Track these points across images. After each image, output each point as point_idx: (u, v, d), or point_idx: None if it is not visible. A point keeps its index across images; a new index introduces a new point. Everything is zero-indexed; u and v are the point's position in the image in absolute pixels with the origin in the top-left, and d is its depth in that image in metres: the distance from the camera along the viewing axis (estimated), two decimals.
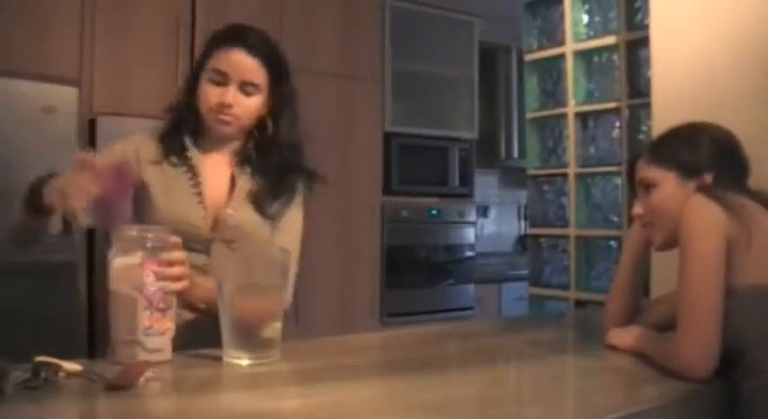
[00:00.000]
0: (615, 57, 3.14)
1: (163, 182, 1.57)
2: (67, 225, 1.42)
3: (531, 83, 3.59)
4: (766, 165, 1.54)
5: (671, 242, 1.45)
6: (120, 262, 1.32)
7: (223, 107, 1.56)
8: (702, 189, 1.41)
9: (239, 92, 1.56)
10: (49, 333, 2.54)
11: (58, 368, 1.16)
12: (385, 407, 1.15)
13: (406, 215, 4.09)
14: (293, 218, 1.68)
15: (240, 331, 1.35)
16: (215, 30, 1.64)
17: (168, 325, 1.35)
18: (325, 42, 3.75)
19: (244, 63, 1.56)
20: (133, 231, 1.35)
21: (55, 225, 1.42)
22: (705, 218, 1.33)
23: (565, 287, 3.33)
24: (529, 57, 3.60)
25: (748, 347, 1.28)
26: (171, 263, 1.36)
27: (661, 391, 1.28)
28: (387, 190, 4.02)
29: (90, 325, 2.87)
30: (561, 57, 3.36)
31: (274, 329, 1.37)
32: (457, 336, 1.91)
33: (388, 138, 4.02)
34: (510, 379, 1.49)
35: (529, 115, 3.60)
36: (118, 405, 1.09)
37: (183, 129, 1.62)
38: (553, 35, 3.47)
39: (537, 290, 3.53)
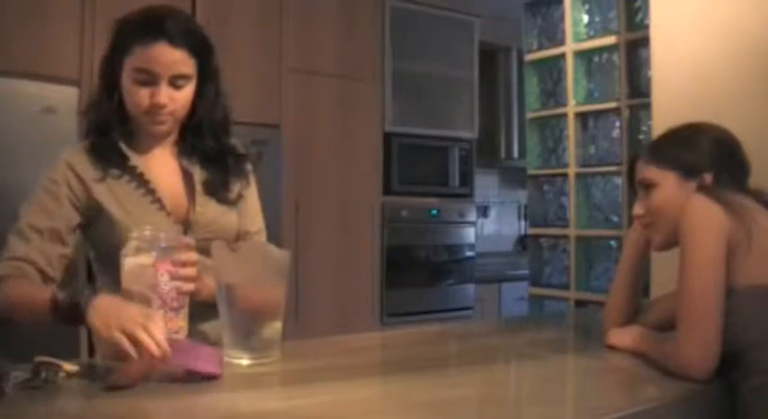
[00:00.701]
0: (615, 57, 3.14)
1: (114, 198, 1.46)
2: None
3: (532, 83, 3.59)
4: (766, 165, 1.54)
5: (671, 242, 1.45)
6: (133, 262, 1.33)
7: (157, 108, 1.44)
8: (702, 189, 1.41)
9: (170, 87, 1.43)
10: (49, 333, 2.53)
11: (59, 368, 1.17)
12: (385, 407, 1.15)
13: (406, 215, 4.09)
14: (254, 199, 1.67)
15: (240, 326, 1.35)
16: (125, 18, 1.45)
17: (181, 323, 1.37)
18: (325, 42, 3.74)
19: (171, 58, 1.41)
20: (146, 231, 1.35)
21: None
22: (705, 218, 1.33)
23: (565, 287, 3.33)
24: (529, 57, 3.60)
25: (748, 347, 1.28)
26: (184, 264, 1.36)
27: (661, 391, 1.28)
28: (387, 190, 4.02)
29: None
30: (561, 57, 3.36)
31: (274, 329, 1.37)
32: (457, 336, 1.91)
33: (388, 138, 4.01)
34: (510, 380, 1.49)
35: (529, 115, 3.61)
36: (118, 405, 1.09)
37: (113, 134, 1.48)
38: (553, 35, 3.47)
39: (537, 290, 3.53)
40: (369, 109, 3.93)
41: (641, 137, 3.03)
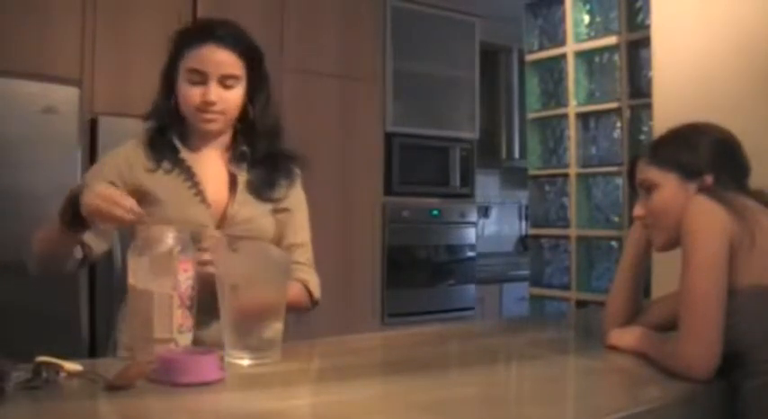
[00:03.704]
0: (616, 57, 3.14)
1: (161, 189, 1.56)
2: (85, 255, 1.51)
3: (532, 83, 3.59)
4: (766, 165, 1.54)
5: (673, 243, 1.45)
6: (153, 261, 1.33)
7: (207, 106, 1.54)
8: (704, 190, 1.41)
9: (220, 87, 1.54)
10: (50, 333, 2.54)
11: (59, 368, 1.16)
12: (385, 407, 1.15)
13: (407, 215, 4.09)
14: (300, 199, 1.72)
15: (241, 326, 1.35)
16: (180, 29, 1.60)
17: (191, 321, 1.37)
18: (325, 42, 3.74)
19: (219, 58, 1.54)
20: (160, 231, 1.36)
21: (76, 252, 1.50)
22: (708, 219, 1.33)
23: (566, 287, 3.33)
24: (530, 58, 3.60)
25: (750, 347, 1.28)
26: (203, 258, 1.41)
27: (662, 391, 1.28)
28: (388, 190, 4.01)
29: (91, 325, 2.86)
30: (562, 57, 3.36)
31: (275, 329, 1.37)
32: (458, 337, 1.91)
33: (389, 138, 4.01)
34: (511, 380, 1.49)
35: (530, 115, 3.61)
36: (118, 405, 1.09)
37: (169, 131, 1.60)
38: (554, 35, 3.47)
39: (538, 291, 3.53)
40: (369, 109, 3.92)
41: (642, 137, 3.03)
